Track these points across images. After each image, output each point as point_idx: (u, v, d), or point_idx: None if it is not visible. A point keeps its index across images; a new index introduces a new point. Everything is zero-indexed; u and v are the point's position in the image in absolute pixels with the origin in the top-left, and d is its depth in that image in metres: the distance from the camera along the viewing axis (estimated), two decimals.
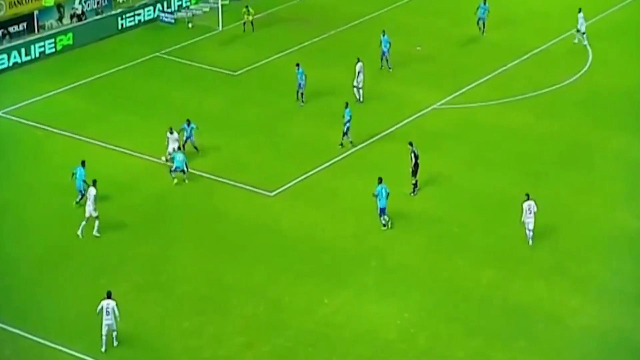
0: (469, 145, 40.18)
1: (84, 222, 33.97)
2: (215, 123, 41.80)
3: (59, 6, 50.52)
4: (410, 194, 36.49)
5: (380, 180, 34.59)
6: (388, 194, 34.35)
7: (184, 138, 38.95)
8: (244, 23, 50.60)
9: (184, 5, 53.71)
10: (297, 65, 43.00)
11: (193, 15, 53.13)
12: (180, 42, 49.95)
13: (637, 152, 39.60)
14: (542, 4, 54.87)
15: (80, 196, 35.45)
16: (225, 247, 33.87)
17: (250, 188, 37.18)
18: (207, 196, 36.83)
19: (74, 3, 51.07)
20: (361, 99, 42.94)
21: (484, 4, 49.85)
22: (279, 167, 38.65)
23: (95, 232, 34.11)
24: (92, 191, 33.96)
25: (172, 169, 37.33)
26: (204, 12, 53.75)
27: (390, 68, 46.24)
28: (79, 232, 34.02)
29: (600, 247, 34.00)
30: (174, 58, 48.33)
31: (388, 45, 46.01)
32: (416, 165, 36.24)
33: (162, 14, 52.11)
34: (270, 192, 36.99)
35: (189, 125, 39.05)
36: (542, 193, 36.59)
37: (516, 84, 45.47)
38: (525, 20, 52.76)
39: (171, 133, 38.27)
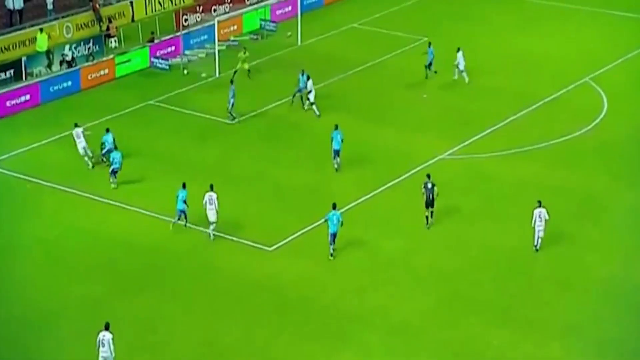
0: (479, 198, 40.26)
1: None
2: (211, 173, 41.85)
3: (48, 52, 50.95)
4: (425, 226, 37.53)
5: (334, 207, 35.60)
6: (339, 221, 35.38)
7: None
8: (236, 71, 50.73)
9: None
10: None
11: (188, 61, 53.54)
12: (175, 89, 50.27)
13: None
14: (554, 49, 55.25)
15: (178, 218, 37.35)
16: (221, 305, 33.78)
17: (248, 242, 37.18)
18: (202, 251, 36.81)
19: (63, 49, 51.51)
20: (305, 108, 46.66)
21: (430, 47, 50.47)
22: (278, 220, 38.69)
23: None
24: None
25: (112, 170, 39.08)
26: (200, 57, 54.16)
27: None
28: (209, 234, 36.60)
29: (617, 307, 33.87)
30: (167, 106, 48.61)
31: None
32: (432, 197, 37.20)
33: (155, 60, 52.50)
34: (269, 246, 36.99)
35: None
36: (556, 249, 36.63)
37: (527, 133, 45.66)
38: (537, 66, 53.10)
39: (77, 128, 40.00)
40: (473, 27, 58.24)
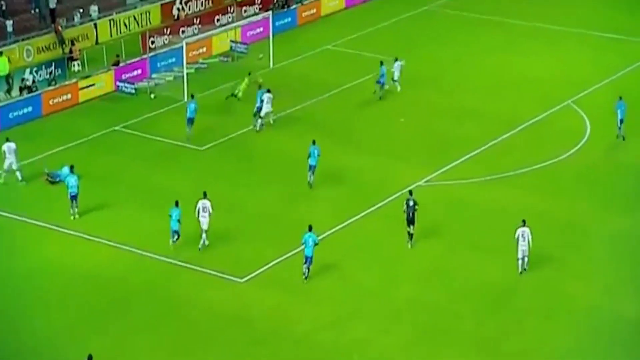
0: (458, 227, 40.36)
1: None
2: (179, 201, 41.79)
3: (7, 76, 50.76)
4: (407, 244, 38.10)
5: (309, 229, 36.09)
6: (315, 243, 35.90)
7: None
8: (233, 94, 50.72)
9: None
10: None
11: (156, 85, 53.54)
12: (142, 115, 50.23)
13: (638, 236, 39.74)
14: (536, 71, 55.64)
15: (177, 237, 37.87)
16: (190, 340, 33.61)
17: (219, 274, 37.09)
18: (170, 283, 36.68)
19: (23, 73, 51.35)
20: (258, 129, 47.88)
21: (382, 65, 51.14)
22: (249, 249, 38.63)
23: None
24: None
25: (70, 195, 39.58)
26: (168, 81, 54.18)
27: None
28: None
29: (601, 338, 33.97)
30: (134, 132, 48.53)
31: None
32: (413, 214, 37.79)
33: (121, 84, 52.46)
34: (241, 277, 36.91)
35: None
36: (539, 278, 36.76)
37: (508, 158, 45.89)
38: (518, 89, 53.46)
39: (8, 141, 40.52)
40: (452, 48, 58.62)
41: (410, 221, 38.23)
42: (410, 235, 38.44)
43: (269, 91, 48.08)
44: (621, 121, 47.01)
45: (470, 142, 47.10)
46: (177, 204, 38.15)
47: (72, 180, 40.44)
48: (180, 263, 37.63)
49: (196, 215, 38.13)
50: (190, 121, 47.08)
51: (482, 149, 46.59)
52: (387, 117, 49.87)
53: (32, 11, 56.98)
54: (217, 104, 51.35)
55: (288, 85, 53.20)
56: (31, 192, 42.86)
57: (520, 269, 36.62)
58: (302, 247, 36.42)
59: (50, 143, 46.82)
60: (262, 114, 47.94)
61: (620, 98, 47.46)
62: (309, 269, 36.34)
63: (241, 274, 37.03)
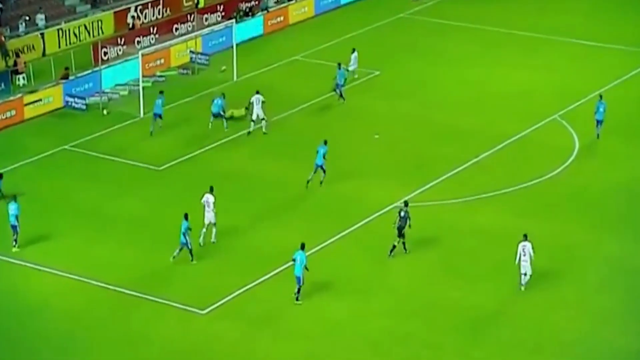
0: (438, 251, 40.45)
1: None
2: (134, 228, 41.70)
3: None
4: (388, 255, 39.31)
5: (302, 247, 36.77)
6: (303, 264, 36.71)
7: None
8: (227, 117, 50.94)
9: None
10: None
11: (109, 99, 53.45)
12: (93, 132, 50.10)
13: (631, 261, 39.95)
14: (520, 83, 56.00)
15: (179, 250, 39.35)
16: None
17: (178, 305, 36.98)
18: (125, 316, 36.54)
19: None
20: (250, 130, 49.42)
21: (339, 69, 52.43)
22: (211, 279, 38.55)
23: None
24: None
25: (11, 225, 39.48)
26: (122, 96, 54.11)
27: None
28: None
29: None
30: (85, 151, 48.40)
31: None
32: (403, 227, 38.99)
33: (70, 99, 52.34)
34: (202, 309, 36.83)
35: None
36: (525, 306, 36.86)
37: (491, 177, 46.09)
38: (501, 102, 53.78)
39: None
40: (429, 58, 58.96)
41: (400, 234, 39.11)
42: (394, 247, 39.23)
43: (258, 92, 49.31)
44: (600, 122, 48.41)
45: (450, 159, 47.28)
46: (186, 216, 39.25)
47: (13, 208, 39.92)
48: (135, 294, 37.48)
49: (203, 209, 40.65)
50: (157, 116, 49.51)
51: (463, 167, 46.78)
52: (361, 133, 49.99)
53: None
54: (175, 120, 51.30)
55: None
56: None
57: (521, 285, 37.43)
58: (290, 265, 37.11)
59: None
60: (254, 117, 48.18)
61: (601, 97, 48.71)
62: (299, 289, 36.86)
63: (202, 305, 36.94)
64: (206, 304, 37.00)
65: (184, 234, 39.03)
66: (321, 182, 44.57)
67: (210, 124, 49.87)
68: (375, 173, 46.36)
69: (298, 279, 36.85)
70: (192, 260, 39.33)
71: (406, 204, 39.99)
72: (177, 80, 55.80)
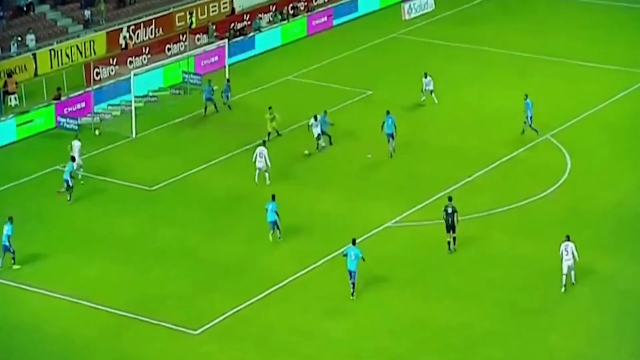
0: (430, 272, 40.49)
1: None
2: (126, 248, 41.73)
3: None
4: (448, 250, 41.05)
5: (353, 242, 38.24)
6: (358, 257, 37.70)
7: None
8: (269, 133, 50.72)
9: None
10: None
11: (101, 120, 53.52)
12: (86, 153, 50.08)
13: (624, 281, 40.02)
14: (511, 102, 55.98)
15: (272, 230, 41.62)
16: None
17: (170, 326, 36.98)
18: (117, 336, 36.52)
19: None
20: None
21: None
22: (204, 299, 38.57)
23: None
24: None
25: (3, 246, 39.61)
26: (114, 116, 54.19)
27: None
28: None
29: None
30: (77, 172, 48.39)
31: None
32: (452, 221, 40.68)
33: (63, 120, 52.41)
34: (195, 330, 36.83)
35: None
36: (518, 327, 36.90)
37: (483, 197, 46.17)
38: (493, 122, 53.86)
39: None
40: (421, 78, 59.01)
41: (450, 228, 40.79)
42: (449, 243, 40.98)
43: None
44: (530, 117, 50.71)
45: (442, 180, 47.36)
46: (273, 197, 41.63)
47: (7, 229, 39.97)
48: (127, 314, 37.49)
49: (253, 160, 45.80)
50: (210, 101, 53.70)
51: (455, 187, 46.86)
52: (353, 153, 50.07)
53: None
54: (167, 140, 51.38)
55: (245, 120, 53.37)
56: None
57: (563, 286, 38.45)
58: (344, 257, 38.25)
59: None
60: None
61: (527, 96, 50.97)
62: (354, 284, 37.85)
63: (195, 325, 36.94)
64: (199, 324, 37.00)
65: (275, 212, 41.15)
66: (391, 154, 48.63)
67: (205, 109, 53.24)
68: (368, 193, 46.38)
69: (352, 273, 37.77)
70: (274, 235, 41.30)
71: (450, 198, 41.45)
72: (169, 100, 55.90)
